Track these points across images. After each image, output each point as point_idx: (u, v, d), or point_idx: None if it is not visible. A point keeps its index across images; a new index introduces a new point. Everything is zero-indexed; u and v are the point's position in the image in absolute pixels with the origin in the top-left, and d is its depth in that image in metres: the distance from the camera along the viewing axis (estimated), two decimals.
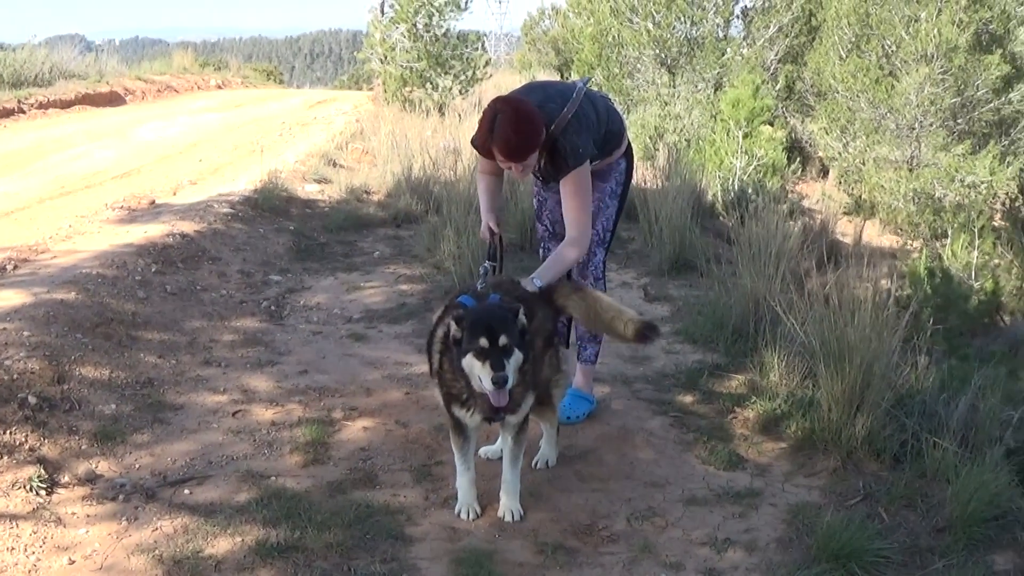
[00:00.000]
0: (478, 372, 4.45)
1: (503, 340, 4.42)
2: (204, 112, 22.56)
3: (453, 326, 4.54)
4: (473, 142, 5.64)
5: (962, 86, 17.98)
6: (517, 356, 4.50)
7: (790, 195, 15.27)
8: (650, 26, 21.01)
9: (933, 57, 17.63)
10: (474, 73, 23.20)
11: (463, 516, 4.93)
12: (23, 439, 5.26)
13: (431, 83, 22.08)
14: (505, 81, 25.18)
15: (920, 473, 5.37)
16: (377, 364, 7.00)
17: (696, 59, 20.91)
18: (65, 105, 21.28)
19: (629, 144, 6.10)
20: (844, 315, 5.87)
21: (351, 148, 16.93)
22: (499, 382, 4.36)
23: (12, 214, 10.49)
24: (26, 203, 11.14)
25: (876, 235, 17.50)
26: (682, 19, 20.94)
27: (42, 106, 20.42)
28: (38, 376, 5.83)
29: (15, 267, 8.08)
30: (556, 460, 5.55)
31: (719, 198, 12.93)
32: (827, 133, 19.82)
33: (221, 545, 4.56)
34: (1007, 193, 17.84)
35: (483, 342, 4.40)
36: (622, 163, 6.02)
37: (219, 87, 31.17)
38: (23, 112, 19.76)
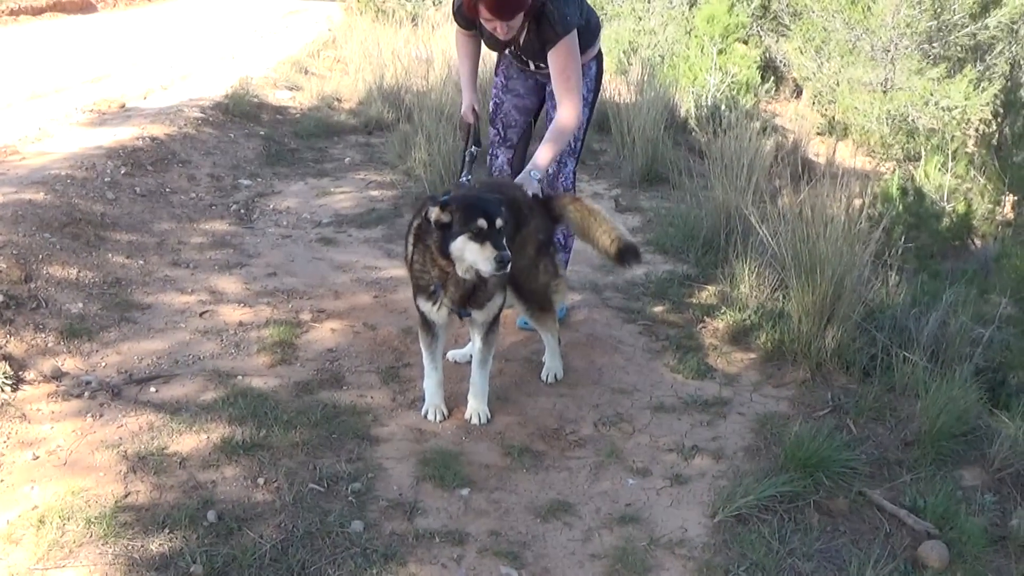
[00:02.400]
0: (472, 256, 4.36)
1: (500, 222, 4.34)
2: (175, 19, 22.35)
3: (436, 211, 4.41)
4: (455, 8, 5.57)
5: (939, 9, 17.86)
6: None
7: (763, 113, 15.16)
8: None
9: None
10: None
11: (430, 417, 4.93)
12: None
13: None
14: None
15: (889, 387, 5.42)
16: (346, 268, 6.99)
17: None
18: (36, 12, 21.07)
19: (600, 50, 6.04)
20: (816, 227, 5.86)
21: (323, 56, 16.84)
22: (503, 261, 4.29)
23: None
24: None
25: (849, 156, 17.43)
26: None
27: (12, 12, 20.19)
28: (5, 274, 5.77)
29: None
30: (563, 371, 5.51)
31: (692, 113, 12.84)
32: (801, 53, 19.69)
33: (186, 442, 4.54)
34: (981, 119, 17.80)
35: (481, 223, 4.30)
36: (593, 67, 5.95)
37: None
38: None
